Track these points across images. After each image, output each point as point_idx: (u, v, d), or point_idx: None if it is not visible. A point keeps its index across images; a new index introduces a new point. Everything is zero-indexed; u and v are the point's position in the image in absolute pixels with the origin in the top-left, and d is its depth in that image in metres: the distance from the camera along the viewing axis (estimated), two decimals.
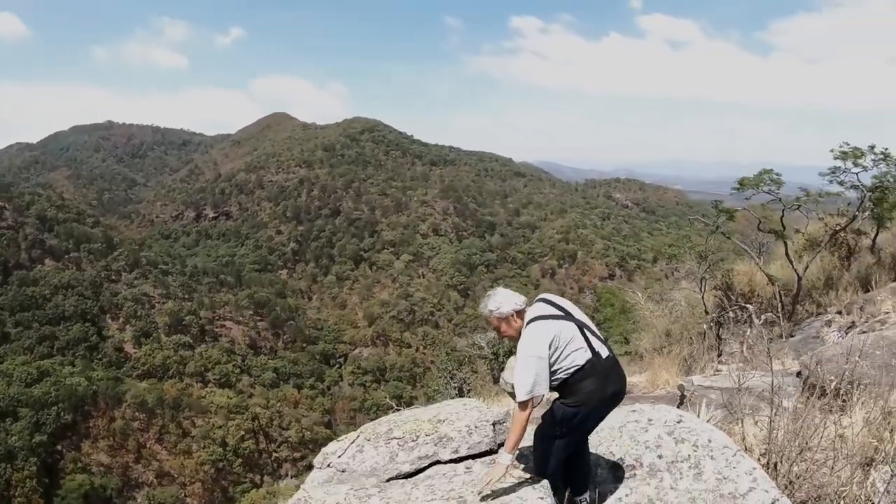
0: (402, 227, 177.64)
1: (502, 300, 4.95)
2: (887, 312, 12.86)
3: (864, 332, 11.99)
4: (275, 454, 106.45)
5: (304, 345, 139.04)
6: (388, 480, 5.87)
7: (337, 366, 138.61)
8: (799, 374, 11.54)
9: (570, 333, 4.76)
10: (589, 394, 4.72)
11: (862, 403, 6.59)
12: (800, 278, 17.80)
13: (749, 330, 16.97)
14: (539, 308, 4.94)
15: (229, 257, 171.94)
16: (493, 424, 6.49)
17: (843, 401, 7.14)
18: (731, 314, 18.87)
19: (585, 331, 4.81)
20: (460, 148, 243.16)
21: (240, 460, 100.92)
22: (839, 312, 15.75)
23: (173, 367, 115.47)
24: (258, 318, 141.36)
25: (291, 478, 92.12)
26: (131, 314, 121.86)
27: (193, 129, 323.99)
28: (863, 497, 5.09)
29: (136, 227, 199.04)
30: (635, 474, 4.94)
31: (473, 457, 6.09)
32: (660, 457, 5.00)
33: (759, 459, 5.36)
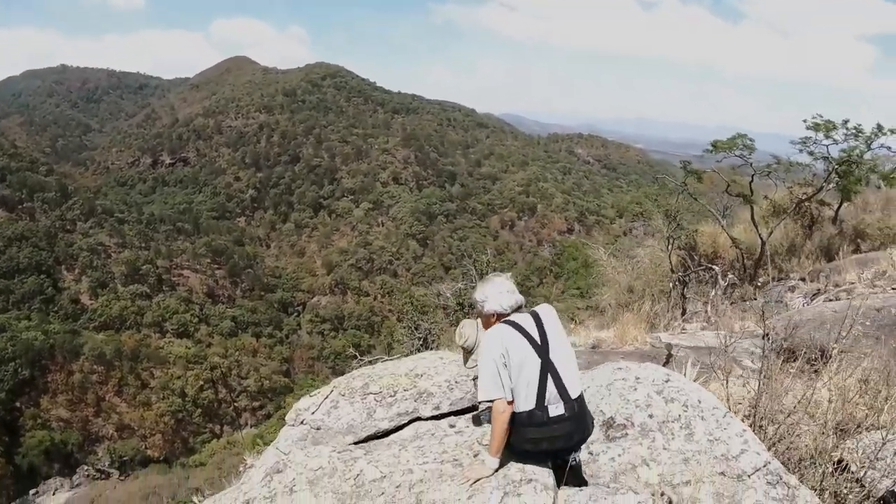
0: (363, 175, 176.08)
1: (489, 295, 4.58)
2: (853, 283, 13.01)
3: (830, 300, 12.16)
4: (234, 404, 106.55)
5: (263, 293, 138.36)
6: (366, 439, 5.68)
7: (295, 314, 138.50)
8: (765, 336, 11.68)
9: (526, 369, 4.26)
10: (525, 442, 4.37)
11: (836, 370, 6.58)
12: (763, 243, 18.05)
13: (713, 290, 17.18)
14: (517, 320, 4.46)
15: (187, 204, 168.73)
16: (474, 379, 6.16)
17: (815, 367, 7.24)
18: (696, 274, 19.10)
19: (549, 376, 4.27)
20: (423, 97, 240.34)
21: (199, 410, 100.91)
22: (802, 279, 15.96)
23: (131, 317, 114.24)
24: (216, 266, 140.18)
25: (251, 427, 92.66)
26: (87, 265, 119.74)
27: (150, 73, 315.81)
28: (842, 462, 5.10)
29: (91, 174, 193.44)
30: (627, 434, 4.83)
31: (455, 413, 5.92)
32: (650, 416, 4.90)
33: (743, 420, 5.34)
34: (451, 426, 5.54)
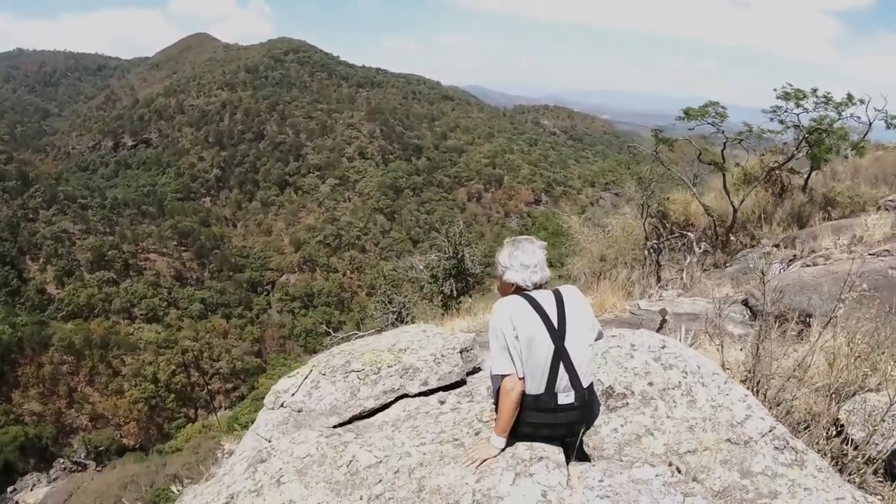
0: (328, 151, 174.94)
1: (514, 265, 4.18)
2: (828, 248, 13.08)
3: (807, 266, 12.20)
4: (207, 387, 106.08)
5: (231, 273, 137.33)
6: (351, 419, 5.41)
7: (264, 293, 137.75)
8: (745, 301, 11.71)
9: (536, 350, 3.95)
10: (524, 426, 4.12)
11: (833, 334, 6.52)
12: (735, 210, 18.23)
13: (689, 257, 17.22)
14: (536, 296, 4.08)
15: (150, 187, 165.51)
16: (461, 352, 6.05)
17: (800, 330, 7.21)
18: (669, 242, 19.19)
19: (562, 364, 3.97)
20: (388, 70, 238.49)
21: (172, 395, 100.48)
22: (776, 246, 16.04)
23: (98, 305, 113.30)
24: (183, 248, 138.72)
25: (226, 409, 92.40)
26: (52, 253, 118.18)
27: (109, 53, 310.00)
28: (839, 424, 5.04)
29: (52, 160, 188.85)
30: (627, 403, 4.64)
31: (444, 388, 5.67)
32: (650, 384, 4.72)
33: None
34: (441, 402, 5.28)
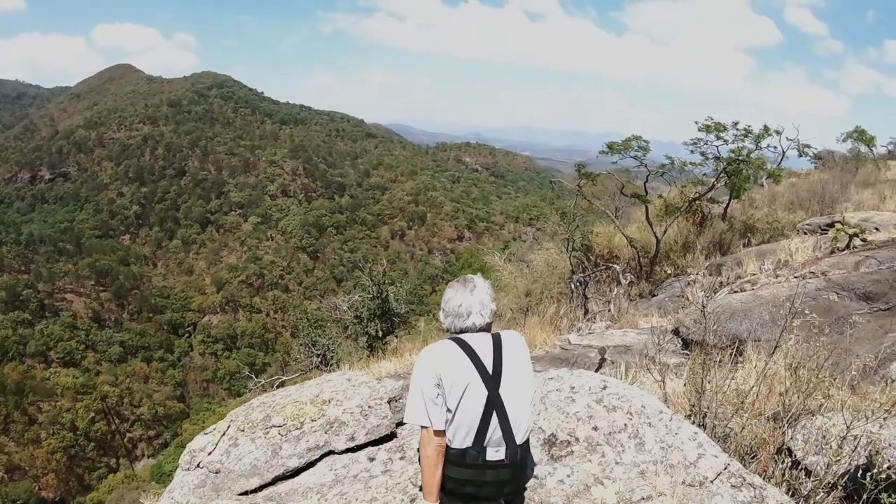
0: (251, 188, 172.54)
1: (446, 306, 3.74)
2: (754, 274, 13.25)
3: (735, 292, 12.28)
4: (128, 434, 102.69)
5: (151, 315, 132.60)
6: (274, 481, 4.97)
7: (186, 335, 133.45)
8: (675, 331, 11.68)
9: (466, 400, 3.52)
10: (446, 480, 3.64)
11: (765, 360, 6.42)
12: (658, 241, 18.58)
13: (616, 289, 17.31)
14: (470, 340, 3.64)
15: (68, 223, 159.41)
16: (389, 402, 5.70)
17: (734, 357, 7.11)
18: (594, 274, 19.33)
19: (495, 414, 3.54)
20: (311, 107, 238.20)
21: (92, 444, 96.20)
22: (700, 273, 16.22)
23: (13, 348, 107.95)
24: (101, 288, 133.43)
25: (148, 458, 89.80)
26: None
27: (30, 81, 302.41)
28: (786, 450, 4.89)
29: None
30: (573, 451, 4.32)
31: (373, 443, 5.26)
32: (595, 429, 4.43)
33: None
34: (371, 459, 4.88)
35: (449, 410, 3.55)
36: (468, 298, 3.69)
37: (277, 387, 17.75)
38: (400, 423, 5.51)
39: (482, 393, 3.53)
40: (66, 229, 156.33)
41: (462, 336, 3.68)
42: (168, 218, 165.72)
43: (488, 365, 3.57)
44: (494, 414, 3.54)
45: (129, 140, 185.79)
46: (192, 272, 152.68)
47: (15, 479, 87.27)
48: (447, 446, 3.59)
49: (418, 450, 3.80)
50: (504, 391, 3.56)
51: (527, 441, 3.72)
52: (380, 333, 18.65)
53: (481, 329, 3.72)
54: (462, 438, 3.56)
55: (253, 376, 19.73)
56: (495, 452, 3.56)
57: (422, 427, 3.60)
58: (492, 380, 3.55)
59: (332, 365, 17.03)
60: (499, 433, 3.55)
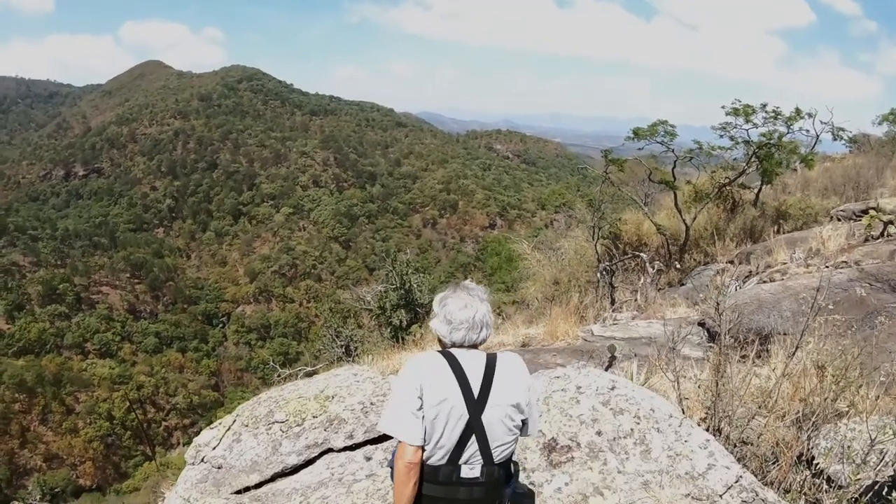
0: (282, 180, 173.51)
1: (439, 311, 3.50)
2: (785, 263, 12.79)
3: (764, 282, 11.86)
4: (164, 423, 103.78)
5: (185, 306, 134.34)
6: (273, 477, 4.83)
7: (220, 326, 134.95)
8: (701, 323, 11.31)
9: (446, 419, 3.30)
10: (426, 499, 3.41)
11: (789, 357, 6.09)
12: (688, 228, 18.23)
13: (642, 278, 16.94)
14: (461, 356, 3.39)
15: (102, 217, 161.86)
16: None
17: (760, 352, 6.76)
18: (622, 263, 18.97)
19: (474, 437, 3.31)
20: (341, 98, 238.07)
21: (129, 433, 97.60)
22: (730, 262, 15.85)
23: (50, 340, 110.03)
24: (136, 280, 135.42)
25: (184, 446, 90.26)
26: (1, 286, 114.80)
27: (61, 80, 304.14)
28: (808, 457, 4.58)
29: (2, 190, 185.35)
30: (573, 457, 4.08)
31: (372, 441, 5.08)
32: (599, 433, 4.18)
33: (699, 424, 4.77)
34: (367, 458, 4.70)
35: (427, 427, 3.32)
36: (469, 311, 3.43)
37: (303, 377, 17.71)
38: None
39: (463, 416, 3.29)
40: (100, 224, 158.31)
41: (454, 351, 3.43)
42: (201, 210, 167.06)
43: (475, 387, 3.33)
44: (473, 437, 3.31)
45: (161, 135, 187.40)
46: (226, 263, 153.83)
47: (53, 467, 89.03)
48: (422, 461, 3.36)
49: (391, 463, 3.60)
50: (487, 417, 3.32)
51: (509, 461, 3.49)
52: (403, 323, 18.47)
53: (476, 345, 3.48)
54: (437, 456, 3.33)
55: (277, 367, 19.61)
56: (470, 470, 3.34)
57: (399, 441, 3.38)
58: (476, 404, 3.31)
59: (355, 355, 16.86)
60: (476, 451, 3.33)
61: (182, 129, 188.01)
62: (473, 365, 3.38)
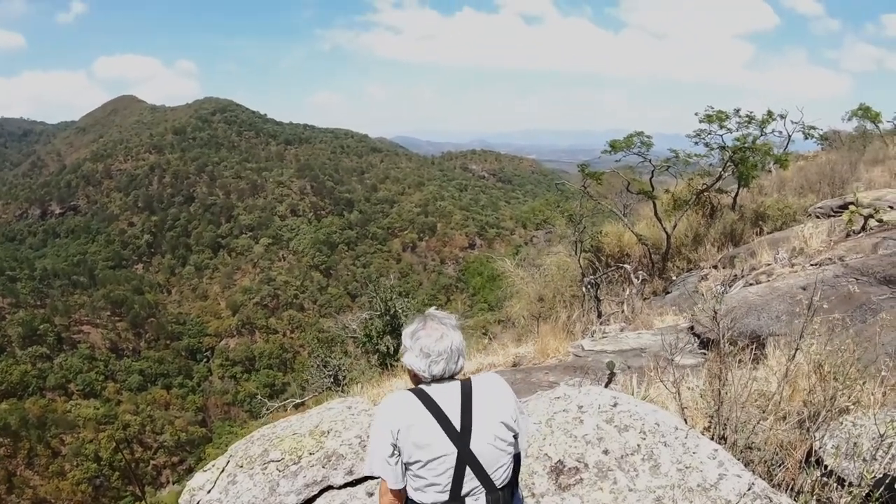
0: (260, 210, 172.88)
1: (412, 345, 3.31)
2: (769, 264, 12.82)
3: (750, 285, 11.87)
4: (152, 461, 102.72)
5: (168, 342, 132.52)
6: None
7: (204, 360, 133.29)
8: (691, 329, 11.28)
9: (432, 459, 3.15)
10: None
11: (777, 357, 6.03)
12: (669, 236, 18.37)
13: (628, 289, 16.96)
14: (434, 393, 3.25)
15: (80, 255, 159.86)
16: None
17: (754, 355, 6.70)
18: (606, 275, 19.00)
19: (469, 468, 3.18)
20: (315, 126, 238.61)
21: (117, 474, 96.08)
22: (714, 267, 15.89)
23: (33, 382, 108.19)
24: (117, 318, 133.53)
25: (173, 484, 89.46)
26: None
27: (35, 118, 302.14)
28: (812, 456, 4.52)
29: None
30: (582, 479, 3.97)
31: (373, 477, 4.76)
32: (606, 452, 4.08)
33: (703, 433, 4.68)
34: (370, 494, 4.59)
35: (410, 469, 3.20)
36: (446, 342, 3.28)
37: (293, 409, 17.53)
38: None
39: (451, 452, 3.16)
40: (79, 262, 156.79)
41: (425, 388, 3.29)
42: (180, 245, 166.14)
43: (455, 420, 3.19)
44: (468, 468, 3.18)
45: (137, 170, 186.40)
46: (207, 297, 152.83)
47: None
48: (422, 502, 3.22)
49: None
50: (476, 446, 3.19)
51: (513, 481, 3.37)
52: (391, 350, 18.35)
53: (454, 375, 3.34)
54: (436, 494, 3.19)
55: (266, 400, 19.37)
56: (475, 501, 3.22)
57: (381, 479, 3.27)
58: (460, 436, 3.17)
59: (344, 384, 16.78)
60: (477, 482, 3.21)
61: (157, 163, 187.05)
62: (448, 397, 3.25)
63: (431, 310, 3.47)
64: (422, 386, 3.29)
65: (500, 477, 3.26)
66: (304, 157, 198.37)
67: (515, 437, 3.34)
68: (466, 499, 3.19)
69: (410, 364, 3.31)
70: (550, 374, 9.91)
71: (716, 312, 5.60)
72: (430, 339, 3.27)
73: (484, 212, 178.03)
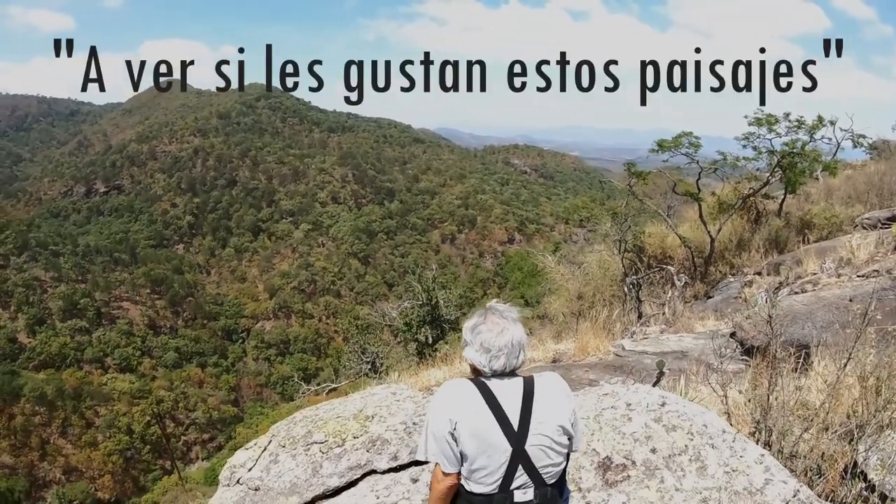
0: (301, 196, 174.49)
1: (472, 339, 3.26)
2: (815, 273, 12.64)
3: (795, 293, 11.72)
4: (183, 437, 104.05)
5: (205, 321, 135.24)
6: (313, 500, 4.75)
7: (240, 341, 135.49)
8: (733, 335, 11.17)
9: (486, 451, 3.13)
10: None
11: (823, 367, 6.00)
12: (713, 240, 18.06)
13: (670, 291, 16.81)
14: (495, 387, 3.21)
15: (123, 234, 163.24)
16: None
17: (799, 365, 6.66)
18: (647, 276, 18.83)
19: (521, 466, 3.16)
20: (358, 115, 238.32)
21: (148, 447, 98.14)
22: (757, 273, 15.69)
23: (71, 354, 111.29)
24: (156, 296, 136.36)
25: (203, 460, 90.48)
26: (23, 301, 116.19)
27: (82, 99, 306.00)
28: (856, 468, 4.49)
29: (24, 206, 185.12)
30: (629, 476, 4.00)
31: (418, 463, 4.93)
32: (653, 451, 4.10)
33: (748, 438, 4.68)
34: (414, 481, 4.63)
35: (467, 459, 3.18)
36: (507, 336, 3.24)
37: (328, 394, 17.61)
38: None
39: (505, 449, 3.15)
40: (121, 240, 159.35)
41: (487, 381, 3.26)
42: (220, 227, 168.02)
43: (514, 418, 3.17)
44: (520, 466, 3.18)
45: (181, 152, 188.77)
46: (245, 279, 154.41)
47: (72, 480, 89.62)
48: (471, 491, 3.23)
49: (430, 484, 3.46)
50: (531, 445, 3.18)
51: (562, 479, 3.37)
52: (430, 340, 18.36)
53: (515, 370, 3.31)
54: (486, 484, 3.20)
55: (303, 383, 19.50)
56: (523, 494, 3.21)
57: (436, 462, 3.27)
58: (517, 435, 3.16)
59: (381, 372, 16.78)
60: (526, 478, 3.20)
61: (201, 146, 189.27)
62: (510, 394, 3.22)
63: (493, 302, 3.41)
64: (483, 379, 3.26)
65: (550, 473, 3.24)
66: (347, 146, 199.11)
67: (570, 438, 3.32)
68: (515, 492, 3.19)
69: (471, 359, 3.27)
70: (591, 372, 9.87)
71: (770, 317, 5.59)
72: (490, 333, 3.22)
73: (524, 207, 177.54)
